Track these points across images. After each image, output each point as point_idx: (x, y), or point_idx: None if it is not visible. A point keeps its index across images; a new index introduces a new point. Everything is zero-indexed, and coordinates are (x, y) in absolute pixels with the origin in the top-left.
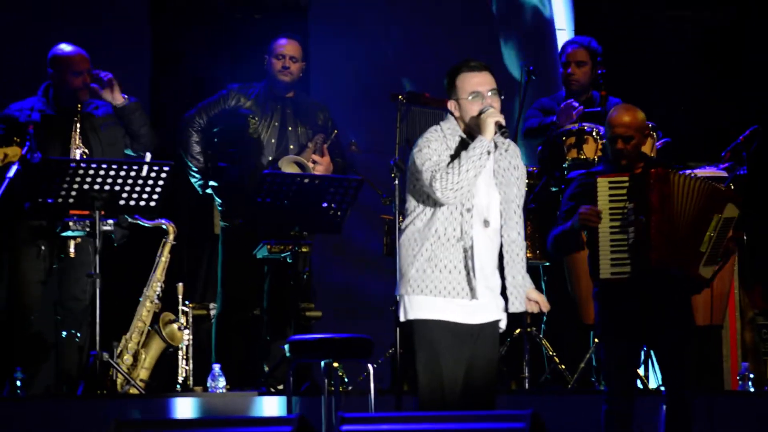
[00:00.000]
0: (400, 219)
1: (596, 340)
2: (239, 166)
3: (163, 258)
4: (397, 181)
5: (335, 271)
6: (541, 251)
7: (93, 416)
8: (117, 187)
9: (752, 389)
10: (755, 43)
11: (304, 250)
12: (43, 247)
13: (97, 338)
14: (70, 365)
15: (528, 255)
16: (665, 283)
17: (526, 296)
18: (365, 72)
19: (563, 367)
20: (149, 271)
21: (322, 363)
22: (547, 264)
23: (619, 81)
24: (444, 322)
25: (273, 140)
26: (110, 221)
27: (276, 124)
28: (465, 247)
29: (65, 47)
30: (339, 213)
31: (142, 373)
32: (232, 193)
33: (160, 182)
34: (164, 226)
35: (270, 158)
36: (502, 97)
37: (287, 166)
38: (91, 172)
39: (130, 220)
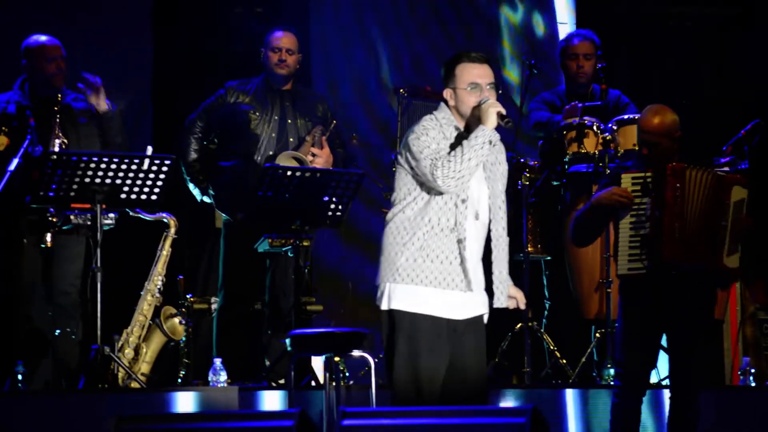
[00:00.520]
0: (384, 211)
1: (597, 334)
2: (241, 161)
3: (165, 252)
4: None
5: (336, 265)
6: (542, 246)
7: (94, 410)
8: (118, 181)
9: (753, 384)
10: (755, 42)
11: (305, 244)
12: (43, 244)
13: (98, 332)
14: (68, 360)
15: (529, 249)
16: (679, 280)
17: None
18: (366, 66)
19: (564, 361)
20: (150, 264)
21: (323, 357)
22: (548, 258)
23: (618, 78)
24: (429, 317)
25: (273, 134)
26: (111, 215)
27: (276, 117)
28: (459, 239)
29: (38, 37)
30: (340, 207)
31: (144, 367)
32: (234, 189)
33: (162, 176)
34: (165, 220)
35: (270, 153)
36: (500, 92)
37: (285, 162)
38: (93, 165)
39: (131, 213)
